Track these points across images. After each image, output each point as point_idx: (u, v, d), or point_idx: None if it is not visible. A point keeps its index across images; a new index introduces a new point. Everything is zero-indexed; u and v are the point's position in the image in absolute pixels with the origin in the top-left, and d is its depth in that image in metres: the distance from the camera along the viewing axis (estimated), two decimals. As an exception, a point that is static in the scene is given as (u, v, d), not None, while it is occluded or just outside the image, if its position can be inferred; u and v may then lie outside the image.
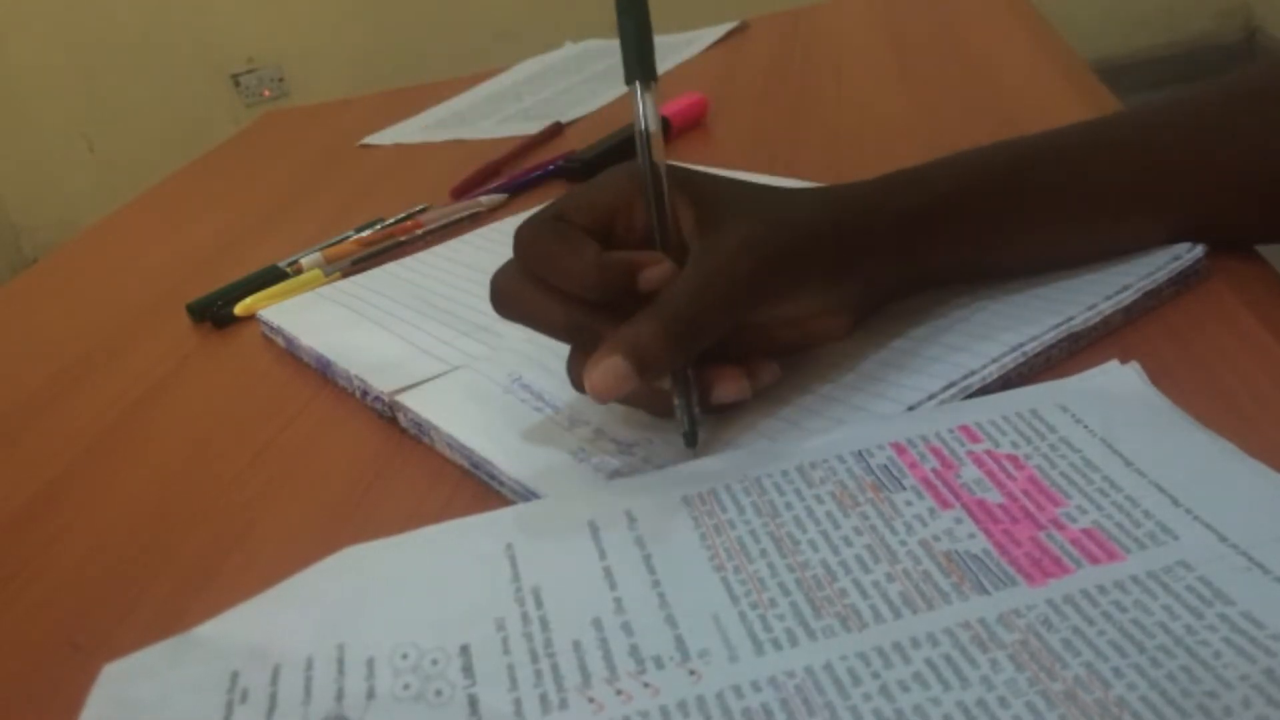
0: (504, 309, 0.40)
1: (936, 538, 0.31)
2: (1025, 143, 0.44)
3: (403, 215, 0.74)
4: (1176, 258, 0.42)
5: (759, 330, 0.40)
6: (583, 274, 0.37)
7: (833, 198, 0.42)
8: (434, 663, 0.30)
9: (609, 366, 0.36)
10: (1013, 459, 0.34)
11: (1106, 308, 0.40)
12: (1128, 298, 0.40)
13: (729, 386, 0.38)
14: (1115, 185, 0.43)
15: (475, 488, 0.41)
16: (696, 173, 0.41)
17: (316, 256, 0.68)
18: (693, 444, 0.38)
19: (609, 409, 0.42)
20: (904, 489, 0.33)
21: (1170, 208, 0.43)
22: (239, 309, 0.64)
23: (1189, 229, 0.43)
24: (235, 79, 3.12)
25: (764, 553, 0.32)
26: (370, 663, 0.30)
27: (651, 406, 0.40)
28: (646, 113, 0.39)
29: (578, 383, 0.39)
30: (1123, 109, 0.47)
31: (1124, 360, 0.38)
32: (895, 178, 0.43)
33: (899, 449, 0.35)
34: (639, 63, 0.39)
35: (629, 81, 0.40)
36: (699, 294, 0.37)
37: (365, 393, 0.49)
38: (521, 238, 0.39)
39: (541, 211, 0.39)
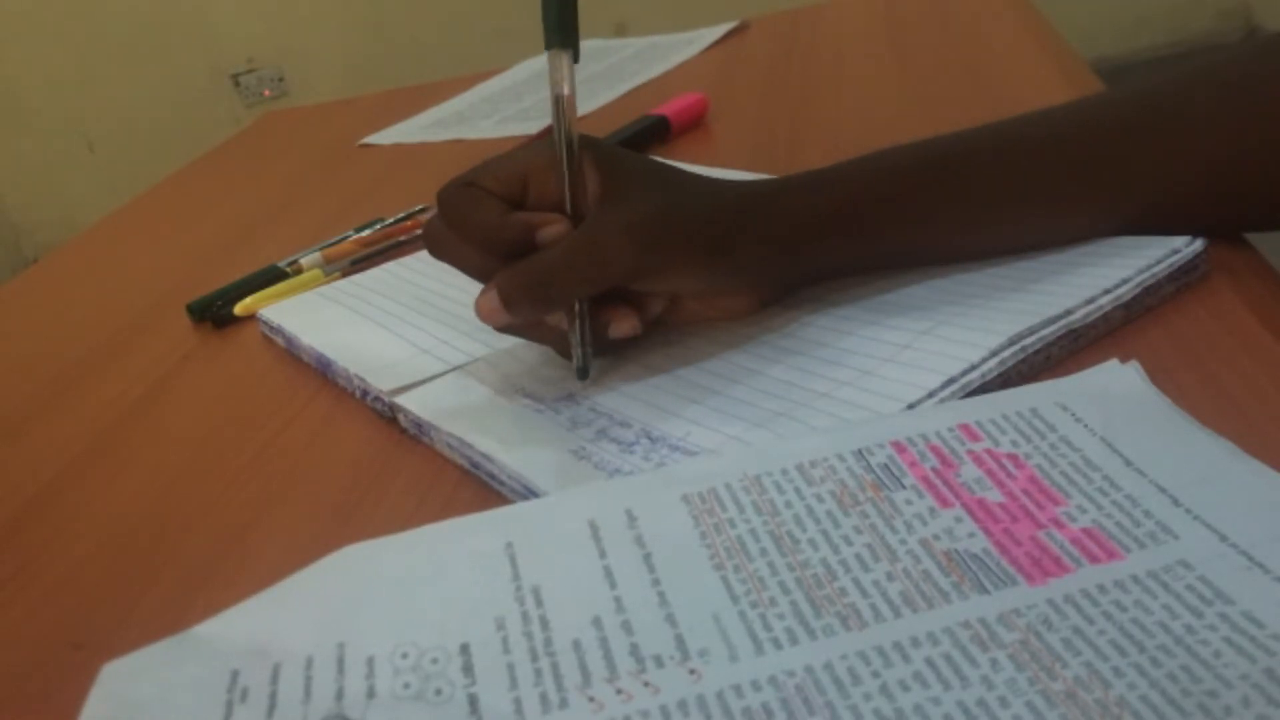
0: (433, 251, 0.46)
1: (936, 537, 0.31)
2: (937, 144, 0.46)
3: (402, 215, 0.74)
4: (1175, 251, 0.42)
5: (658, 301, 0.45)
6: (484, 230, 0.43)
7: (728, 191, 0.45)
8: (434, 662, 0.30)
9: (488, 299, 0.42)
10: (1013, 458, 0.34)
11: (1106, 302, 0.40)
12: (1127, 292, 0.40)
13: (622, 324, 0.44)
14: (1028, 179, 0.45)
15: (475, 488, 0.41)
16: (611, 147, 0.45)
17: (316, 256, 0.68)
18: (584, 377, 0.44)
19: (611, 409, 0.42)
20: (904, 488, 0.33)
21: (1106, 197, 0.45)
22: (239, 309, 0.64)
23: (1133, 218, 0.44)
24: (235, 79, 3.12)
25: (764, 551, 0.32)
26: (370, 662, 0.30)
27: (554, 344, 0.45)
28: (564, 78, 0.42)
29: None
30: (1065, 103, 0.48)
31: (1124, 360, 0.38)
32: (801, 178, 0.46)
33: (899, 447, 0.35)
34: (559, 30, 0.42)
35: (549, 47, 0.42)
36: (572, 257, 0.42)
37: (365, 393, 0.49)
38: (440, 197, 0.44)
39: (460, 175, 0.44)
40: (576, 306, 0.43)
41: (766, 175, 0.49)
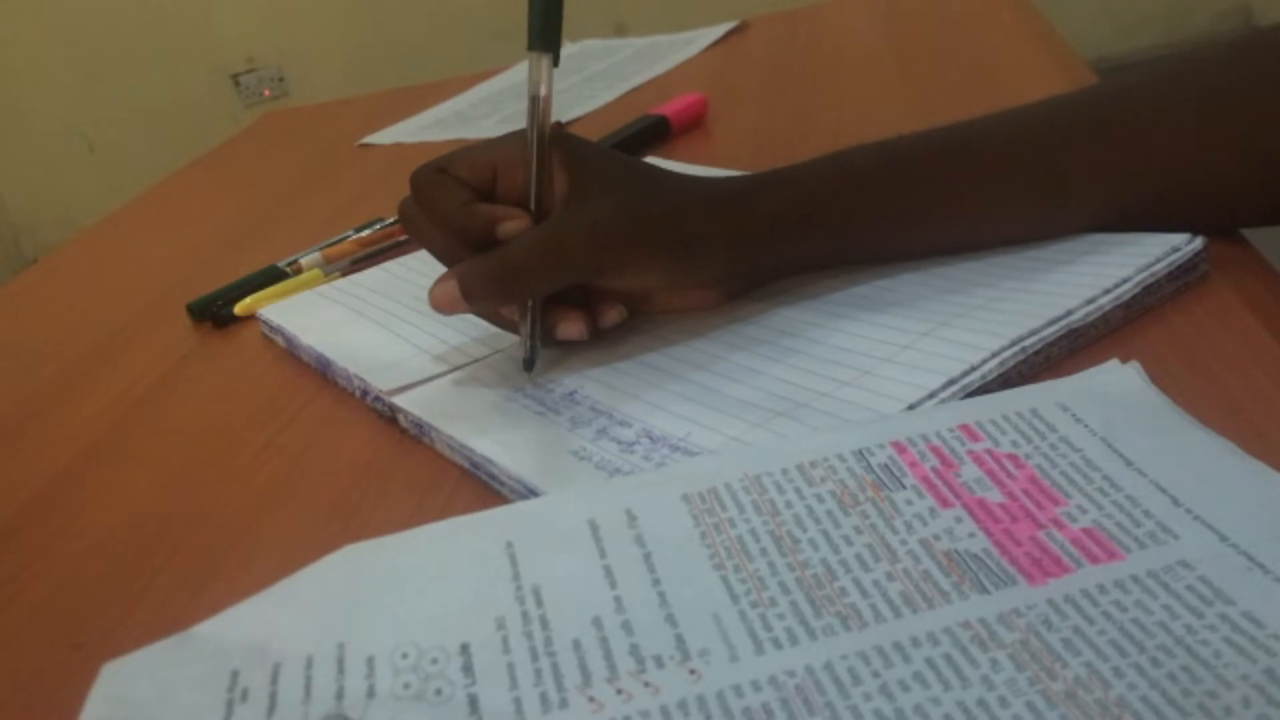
0: (406, 229, 0.47)
1: (937, 537, 0.31)
2: (901, 142, 0.47)
3: (403, 215, 0.74)
4: (1175, 249, 0.42)
5: (623, 295, 0.46)
6: (449, 218, 0.44)
7: (694, 188, 0.46)
8: (434, 661, 0.30)
9: (445, 288, 0.43)
10: (1013, 458, 0.34)
11: (1106, 302, 0.40)
12: (1127, 292, 0.40)
13: (569, 327, 0.45)
14: (987, 178, 0.46)
15: (475, 488, 0.41)
16: (582, 144, 0.45)
17: (316, 256, 0.68)
18: (529, 369, 0.45)
19: (611, 408, 0.42)
20: (904, 488, 0.33)
21: (1063, 198, 0.46)
22: (239, 309, 0.64)
23: (1092, 219, 0.45)
24: (235, 79, 3.12)
25: (764, 551, 0.32)
26: (370, 661, 0.30)
27: (504, 327, 0.47)
28: (543, 80, 0.43)
29: None
30: (1034, 102, 0.49)
31: (1124, 360, 0.38)
32: (768, 175, 0.47)
33: (899, 448, 0.35)
34: (543, 33, 0.43)
35: (531, 49, 0.44)
36: (534, 254, 0.43)
37: (365, 393, 0.49)
38: (412, 179, 0.45)
39: (433, 160, 0.45)
40: (530, 301, 0.44)
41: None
